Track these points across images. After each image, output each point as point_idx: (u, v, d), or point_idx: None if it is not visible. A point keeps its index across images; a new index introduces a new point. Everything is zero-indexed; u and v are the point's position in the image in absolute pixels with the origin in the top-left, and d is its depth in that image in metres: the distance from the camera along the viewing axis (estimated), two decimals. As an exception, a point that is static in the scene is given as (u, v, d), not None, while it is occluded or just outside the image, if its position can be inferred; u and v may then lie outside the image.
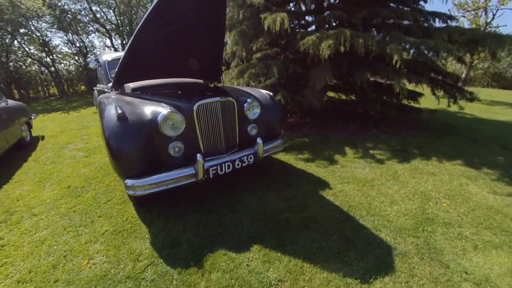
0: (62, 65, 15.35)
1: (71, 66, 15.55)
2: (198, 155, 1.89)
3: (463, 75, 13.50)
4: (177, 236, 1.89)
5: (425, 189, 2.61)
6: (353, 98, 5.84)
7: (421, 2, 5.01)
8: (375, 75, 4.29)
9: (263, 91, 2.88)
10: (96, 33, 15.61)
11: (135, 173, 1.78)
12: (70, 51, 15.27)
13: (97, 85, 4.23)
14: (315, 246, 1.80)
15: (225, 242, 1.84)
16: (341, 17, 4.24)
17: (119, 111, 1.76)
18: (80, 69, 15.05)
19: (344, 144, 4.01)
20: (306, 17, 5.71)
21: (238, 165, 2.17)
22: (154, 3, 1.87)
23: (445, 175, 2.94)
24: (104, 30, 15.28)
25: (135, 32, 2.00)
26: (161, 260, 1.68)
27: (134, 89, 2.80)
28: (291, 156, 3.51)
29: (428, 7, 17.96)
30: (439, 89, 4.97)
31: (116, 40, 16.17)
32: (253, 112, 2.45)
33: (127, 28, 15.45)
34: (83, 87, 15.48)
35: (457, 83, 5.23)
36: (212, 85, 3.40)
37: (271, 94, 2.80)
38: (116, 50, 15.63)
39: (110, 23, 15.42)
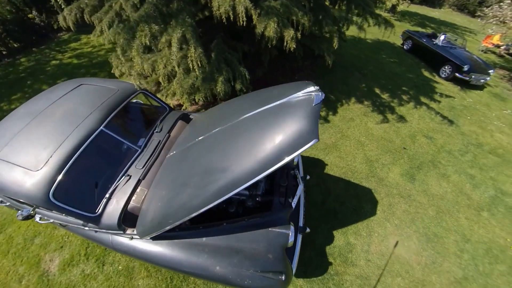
0: None
1: None
2: (307, 229, 2.20)
3: None
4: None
5: (357, 137, 4.22)
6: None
7: None
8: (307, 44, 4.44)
9: None
10: None
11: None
12: None
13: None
14: (351, 211, 3.14)
15: (321, 241, 2.82)
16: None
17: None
18: None
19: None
20: None
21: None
22: None
23: (357, 119, 4.62)
24: None
25: None
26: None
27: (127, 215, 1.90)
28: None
29: None
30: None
31: None
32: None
33: None
34: None
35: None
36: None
37: None
38: None
39: None
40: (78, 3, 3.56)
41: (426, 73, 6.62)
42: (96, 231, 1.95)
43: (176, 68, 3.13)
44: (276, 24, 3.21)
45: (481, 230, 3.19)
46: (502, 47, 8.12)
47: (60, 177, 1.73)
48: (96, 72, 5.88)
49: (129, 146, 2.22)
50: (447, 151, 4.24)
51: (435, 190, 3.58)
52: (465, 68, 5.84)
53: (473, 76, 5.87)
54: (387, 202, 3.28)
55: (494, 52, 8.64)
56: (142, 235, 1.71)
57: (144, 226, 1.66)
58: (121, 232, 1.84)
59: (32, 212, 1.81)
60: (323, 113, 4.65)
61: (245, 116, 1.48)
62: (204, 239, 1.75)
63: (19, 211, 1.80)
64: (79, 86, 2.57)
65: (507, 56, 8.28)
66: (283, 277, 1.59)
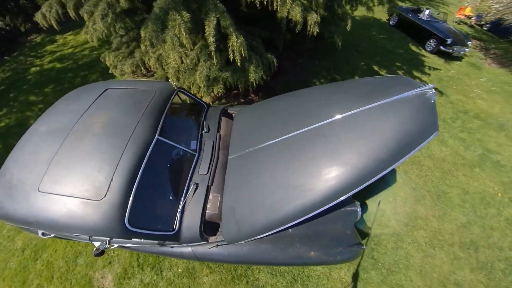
0: None
1: None
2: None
3: None
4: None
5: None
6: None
7: None
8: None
9: None
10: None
11: None
12: None
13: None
14: (377, 182, 3.51)
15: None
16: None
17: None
18: None
19: (307, 90, 4.87)
20: None
21: None
22: None
23: (364, 97, 4.90)
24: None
25: None
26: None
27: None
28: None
29: None
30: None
31: None
32: None
33: None
34: None
35: None
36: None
37: None
38: None
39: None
40: None
41: (414, 48, 7.00)
42: (172, 247, 1.84)
43: (215, 59, 2.88)
44: (299, 8, 3.18)
45: (476, 183, 3.80)
46: (473, 18, 8.75)
47: (131, 201, 1.53)
48: (86, 74, 5.35)
49: (185, 151, 2.10)
50: (442, 119, 4.76)
51: (437, 154, 4.09)
52: (449, 41, 6.29)
53: (455, 49, 6.37)
54: (403, 170, 3.72)
55: (466, 23, 9.29)
56: (234, 241, 1.68)
57: (239, 233, 1.62)
58: (205, 242, 1.78)
59: (109, 245, 1.65)
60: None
61: (349, 113, 1.51)
62: (290, 230, 1.79)
63: (96, 248, 1.63)
64: (105, 91, 2.28)
65: (477, 27, 8.98)
66: (364, 247, 1.84)
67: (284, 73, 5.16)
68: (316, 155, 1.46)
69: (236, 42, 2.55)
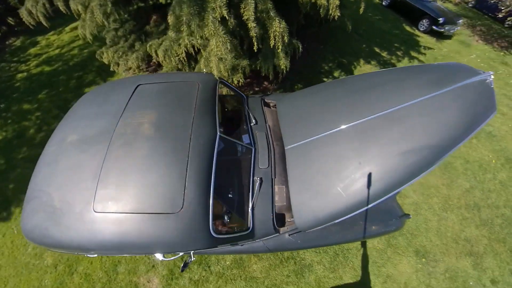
0: None
1: None
2: None
3: None
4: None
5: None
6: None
7: None
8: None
9: None
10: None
11: None
12: None
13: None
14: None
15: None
16: None
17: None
18: None
19: (320, 75, 4.94)
20: None
21: None
22: None
23: (371, 79, 5.08)
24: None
25: None
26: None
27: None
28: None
29: None
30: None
31: None
32: None
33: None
34: None
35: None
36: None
37: None
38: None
39: None
40: None
41: (408, 28, 7.20)
42: (242, 244, 1.75)
43: (256, 45, 2.56)
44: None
45: (474, 153, 4.24)
46: (457, -4, 9.05)
47: (211, 208, 1.41)
48: (81, 74, 4.99)
49: (243, 146, 2.02)
50: (440, 97, 5.11)
51: (440, 129, 4.46)
52: (441, 20, 6.54)
53: (446, 28, 6.66)
54: (413, 146, 4.04)
55: (450, 1, 9.59)
56: (310, 228, 1.67)
57: (316, 220, 1.62)
58: (277, 234, 1.76)
59: (193, 258, 1.57)
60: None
61: (422, 98, 1.61)
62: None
63: (184, 263, 1.57)
64: (137, 87, 2.07)
65: (461, 4, 9.33)
66: (410, 216, 2.09)
67: (293, 58, 5.16)
68: (394, 138, 1.58)
69: (279, 27, 2.34)
